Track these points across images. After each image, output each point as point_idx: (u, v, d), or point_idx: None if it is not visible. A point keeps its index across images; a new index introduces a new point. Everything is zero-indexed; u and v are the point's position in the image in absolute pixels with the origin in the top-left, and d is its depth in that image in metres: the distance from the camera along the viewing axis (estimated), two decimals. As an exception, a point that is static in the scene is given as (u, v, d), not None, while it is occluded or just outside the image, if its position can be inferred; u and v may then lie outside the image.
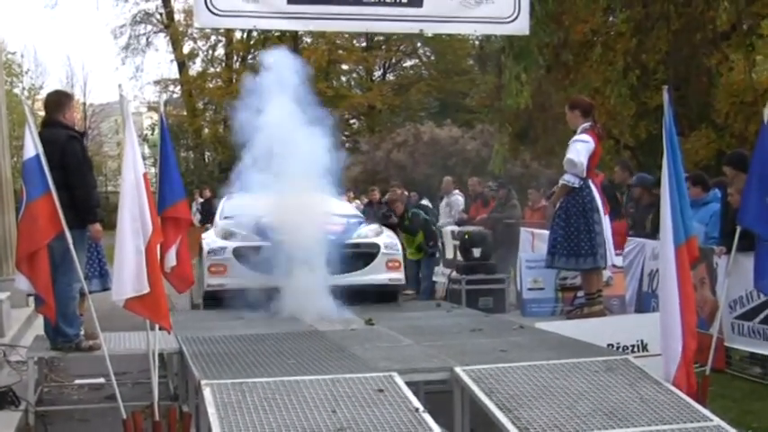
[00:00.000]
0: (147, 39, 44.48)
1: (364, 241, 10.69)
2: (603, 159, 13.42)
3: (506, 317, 10.31)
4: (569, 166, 9.01)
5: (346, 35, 38.10)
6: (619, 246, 10.78)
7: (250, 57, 41.31)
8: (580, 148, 9.01)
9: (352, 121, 44.57)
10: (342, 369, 6.57)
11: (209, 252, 10.47)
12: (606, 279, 9.67)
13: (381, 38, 41.21)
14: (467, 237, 12.66)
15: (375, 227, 11.37)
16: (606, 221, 9.18)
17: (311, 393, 6.00)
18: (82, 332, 7.96)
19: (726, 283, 8.13)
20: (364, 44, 42.70)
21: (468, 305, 10.88)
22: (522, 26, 9.48)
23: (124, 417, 6.20)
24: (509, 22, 9.29)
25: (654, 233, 9.71)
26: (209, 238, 10.81)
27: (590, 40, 20.28)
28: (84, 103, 48.70)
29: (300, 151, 9.85)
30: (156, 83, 45.39)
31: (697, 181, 10.96)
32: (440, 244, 15.52)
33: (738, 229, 7.27)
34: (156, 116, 40.38)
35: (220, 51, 44.33)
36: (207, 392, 5.96)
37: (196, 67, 44.28)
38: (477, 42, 36.58)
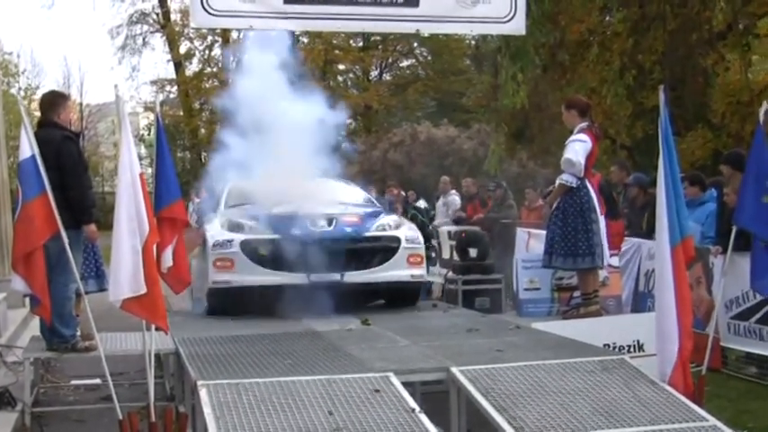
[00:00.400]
0: (144, 39, 44.43)
1: (384, 234, 9.88)
2: (600, 159, 13.45)
3: (503, 317, 10.31)
4: (567, 166, 9.01)
5: (343, 35, 38.08)
6: (616, 245, 10.79)
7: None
8: (578, 148, 9.00)
9: (348, 122, 44.55)
10: (338, 369, 6.57)
11: (214, 245, 9.58)
12: (602, 279, 9.67)
13: (378, 38, 41.22)
14: (463, 236, 12.66)
15: (395, 218, 10.60)
16: (602, 221, 9.18)
17: (307, 394, 6.01)
18: (78, 333, 7.95)
19: (722, 283, 8.16)
20: (361, 44, 42.69)
21: (464, 305, 10.87)
22: (518, 26, 9.49)
23: (120, 417, 6.20)
24: (505, 22, 9.29)
25: (650, 233, 9.72)
26: (214, 230, 9.86)
27: (586, 40, 20.27)
28: (81, 104, 48.68)
29: (295, 125, 9.57)
30: (153, 83, 45.39)
31: (695, 181, 11.00)
32: (436, 244, 15.52)
33: (734, 229, 7.29)
34: (152, 116, 40.34)
35: (217, 51, 44.30)
36: (203, 393, 5.96)
37: (193, 67, 44.23)
38: (473, 42, 36.60)
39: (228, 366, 6.80)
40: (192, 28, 35.67)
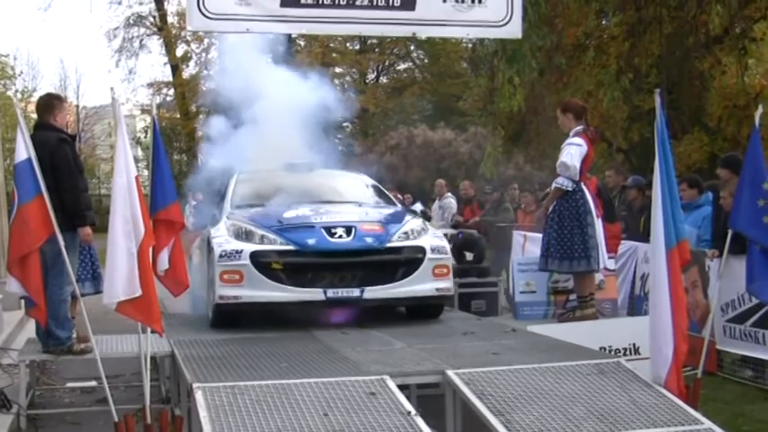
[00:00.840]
0: (141, 41, 44.47)
1: (407, 244, 8.98)
2: (596, 163, 13.47)
3: (499, 320, 10.31)
4: (563, 170, 9.02)
5: (340, 38, 38.13)
6: (613, 248, 10.79)
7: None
8: (573, 152, 9.02)
9: (345, 124, 44.57)
10: (334, 372, 6.57)
11: (221, 255, 8.68)
12: (598, 282, 9.68)
13: (375, 41, 41.24)
14: (460, 239, 12.66)
15: (419, 222, 9.50)
16: (599, 224, 9.19)
17: (303, 396, 6.01)
18: (74, 335, 7.95)
19: (718, 286, 8.16)
20: (358, 47, 42.71)
21: (460, 308, 10.84)
22: (514, 30, 9.48)
23: (116, 420, 6.20)
24: (501, 26, 9.29)
25: (646, 236, 9.73)
26: (221, 237, 8.95)
27: (583, 44, 20.32)
28: (78, 106, 48.67)
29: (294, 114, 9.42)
30: (150, 85, 45.38)
31: (693, 184, 11.01)
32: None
33: (730, 233, 7.29)
34: (149, 119, 40.31)
35: (214, 54, 44.29)
36: (199, 395, 5.96)
37: (190, 70, 44.24)
38: (470, 45, 36.62)
39: (224, 369, 6.80)
40: (189, 31, 35.61)
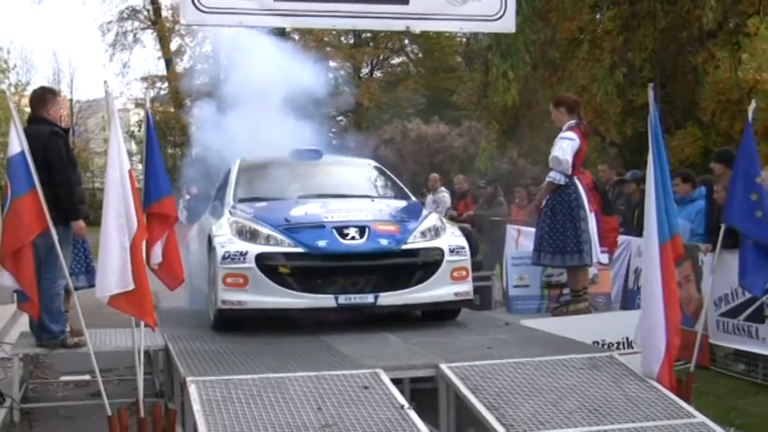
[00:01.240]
0: (135, 35, 44.38)
1: (424, 246, 8.34)
2: (590, 157, 13.48)
3: (492, 314, 10.33)
4: (555, 164, 9.04)
5: (334, 32, 38.07)
6: (612, 241, 10.81)
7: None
8: (566, 146, 9.03)
9: (339, 118, 44.54)
10: (327, 366, 6.58)
11: (224, 257, 8.08)
12: (592, 276, 9.70)
13: (369, 35, 41.19)
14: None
15: (435, 218, 8.92)
16: (592, 219, 9.20)
17: (296, 390, 6.02)
18: (67, 329, 7.95)
19: (711, 281, 8.19)
20: (352, 41, 42.66)
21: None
22: (508, 24, 9.47)
23: (109, 414, 6.19)
24: (495, 20, 9.27)
25: (640, 230, 9.76)
26: (223, 235, 8.32)
27: (577, 38, 20.30)
28: (71, 100, 48.56)
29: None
30: (144, 79, 45.29)
31: (686, 178, 11.06)
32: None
33: (723, 227, 7.32)
34: (143, 113, 40.22)
35: (208, 48, 44.19)
36: (192, 389, 5.96)
37: (184, 64, 44.15)
38: (464, 40, 36.60)
39: (218, 363, 6.81)
40: (182, 25, 35.53)
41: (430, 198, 18.57)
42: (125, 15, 43.89)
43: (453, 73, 40.49)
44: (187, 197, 25.92)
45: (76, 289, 7.39)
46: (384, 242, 8.17)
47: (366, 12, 9.11)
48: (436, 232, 8.52)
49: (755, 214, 6.99)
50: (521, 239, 12.97)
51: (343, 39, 42.20)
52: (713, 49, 18.72)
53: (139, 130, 40.11)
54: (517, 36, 14.75)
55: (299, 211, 8.57)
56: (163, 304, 9.73)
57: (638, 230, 10.87)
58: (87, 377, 8.89)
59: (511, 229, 13.95)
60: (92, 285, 8.67)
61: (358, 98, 40.39)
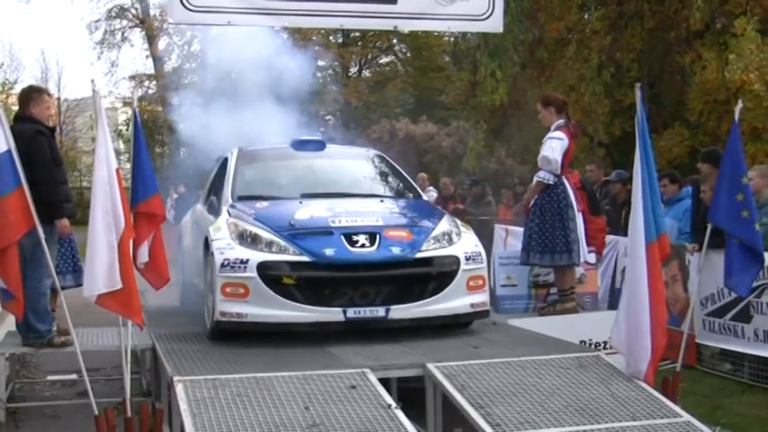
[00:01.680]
0: (123, 34, 44.29)
1: (439, 254, 7.79)
2: (578, 157, 13.50)
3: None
4: (544, 164, 9.05)
5: (322, 31, 38.03)
6: (600, 241, 10.83)
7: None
8: (555, 146, 9.04)
9: (327, 118, 44.50)
10: (315, 365, 6.58)
11: (223, 265, 7.51)
12: (579, 276, 9.72)
13: (357, 34, 41.18)
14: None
15: (449, 222, 8.34)
16: (579, 219, 9.22)
17: (284, 390, 6.02)
18: (54, 328, 7.93)
19: (697, 280, 8.21)
20: (340, 40, 42.64)
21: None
22: (495, 24, 9.47)
23: (96, 413, 6.19)
24: (483, 20, 9.27)
25: (627, 230, 9.79)
26: (222, 240, 7.72)
27: (565, 38, 20.35)
28: (59, 98, 48.41)
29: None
30: (132, 78, 45.18)
31: (674, 179, 11.12)
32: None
33: (710, 227, 7.34)
34: (131, 112, 40.10)
35: (197, 47, 44.15)
36: (179, 389, 5.96)
37: (172, 63, 44.06)
38: (452, 39, 36.62)
39: (205, 362, 6.81)
40: (171, 24, 35.49)
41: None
42: (113, 14, 43.86)
43: (441, 72, 40.49)
44: (175, 196, 25.91)
45: (63, 288, 7.38)
46: (396, 250, 7.63)
47: (354, 11, 9.11)
48: (450, 237, 8.01)
49: (741, 214, 7.01)
50: (509, 239, 12.98)
51: (331, 38, 42.17)
52: (700, 49, 18.77)
53: (127, 129, 40.05)
54: (505, 36, 14.77)
55: (304, 214, 7.97)
56: (150, 303, 9.69)
57: (624, 230, 10.91)
58: (74, 376, 8.87)
59: (499, 229, 13.96)
60: (79, 285, 8.67)
61: (346, 97, 40.44)
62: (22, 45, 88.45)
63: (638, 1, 18.47)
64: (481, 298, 7.99)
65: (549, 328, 8.11)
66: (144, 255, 6.62)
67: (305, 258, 7.47)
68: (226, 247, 7.62)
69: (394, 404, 5.88)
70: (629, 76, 18.88)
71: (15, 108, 8.73)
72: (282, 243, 7.55)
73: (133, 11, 44.08)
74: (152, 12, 42.45)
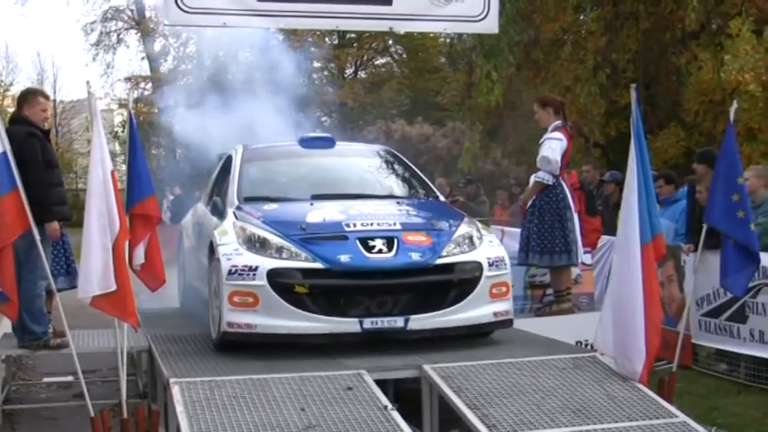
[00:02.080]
0: (118, 35, 44.23)
1: (460, 260, 7.30)
2: (574, 158, 13.50)
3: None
4: (544, 164, 9.04)
5: (318, 33, 38.03)
6: (594, 242, 10.84)
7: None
8: (554, 146, 9.04)
9: (323, 119, 44.50)
10: (311, 367, 6.56)
11: (230, 272, 7.02)
12: (575, 277, 9.72)
13: (353, 35, 41.17)
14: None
15: (468, 223, 7.81)
16: (576, 219, 9.23)
17: (280, 391, 6.02)
18: (50, 330, 7.92)
19: (693, 281, 8.22)
20: (336, 42, 42.65)
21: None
22: (491, 25, 9.49)
23: (92, 415, 6.18)
24: (478, 21, 9.28)
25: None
26: (229, 244, 7.23)
27: (560, 39, 20.37)
28: (55, 100, 48.36)
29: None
30: (128, 80, 45.12)
31: (669, 180, 11.12)
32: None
33: (705, 227, 7.35)
34: (127, 113, 40.05)
35: (192, 48, 44.14)
36: (175, 390, 5.95)
37: (168, 65, 44.03)
38: (448, 41, 36.64)
39: (201, 364, 6.80)
40: (166, 25, 35.47)
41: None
42: (108, 15, 43.76)
43: (437, 74, 40.51)
44: (171, 198, 25.88)
45: (58, 290, 7.37)
46: (415, 256, 7.14)
47: (350, 12, 9.11)
48: (472, 241, 7.50)
49: (737, 215, 7.02)
50: (505, 240, 12.96)
51: (327, 39, 42.18)
52: (696, 50, 18.82)
53: (123, 131, 40.01)
54: (501, 37, 14.78)
55: (317, 217, 7.47)
56: (145, 305, 9.68)
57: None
58: (70, 378, 8.86)
59: (495, 230, 13.94)
60: (73, 287, 8.66)
61: (342, 98, 40.43)
62: (18, 47, 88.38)
63: (634, 2, 18.50)
64: (505, 306, 7.51)
65: (546, 329, 8.12)
66: (140, 256, 6.63)
67: (318, 265, 7.00)
68: (233, 252, 7.13)
69: (390, 405, 5.88)
70: (625, 76, 18.92)
71: (11, 110, 8.72)
72: (294, 249, 7.08)
73: (129, 12, 44.03)
74: (147, 13, 42.43)
